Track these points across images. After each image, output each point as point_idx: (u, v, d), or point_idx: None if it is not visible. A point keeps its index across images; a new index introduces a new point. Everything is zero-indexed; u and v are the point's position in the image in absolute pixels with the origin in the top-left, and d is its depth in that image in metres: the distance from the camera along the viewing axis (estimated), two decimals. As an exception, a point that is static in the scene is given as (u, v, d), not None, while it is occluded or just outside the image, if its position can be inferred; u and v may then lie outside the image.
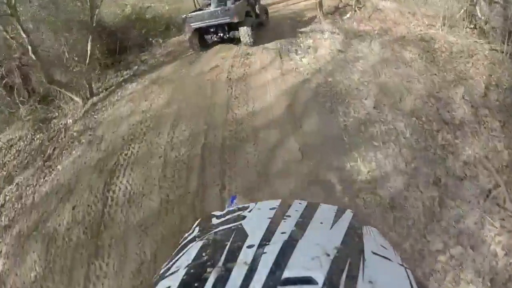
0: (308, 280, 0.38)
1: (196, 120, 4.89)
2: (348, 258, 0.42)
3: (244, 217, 0.54)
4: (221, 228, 0.52)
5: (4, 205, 4.64)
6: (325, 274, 0.38)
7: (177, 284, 0.41)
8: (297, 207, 0.57)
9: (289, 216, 0.53)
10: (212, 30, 6.35)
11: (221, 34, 6.42)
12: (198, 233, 0.55)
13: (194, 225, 0.60)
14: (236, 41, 6.60)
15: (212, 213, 0.61)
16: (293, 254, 0.41)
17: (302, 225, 0.50)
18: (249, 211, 0.57)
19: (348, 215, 0.55)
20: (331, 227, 0.50)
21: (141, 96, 6.04)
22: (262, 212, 0.56)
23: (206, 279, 0.39)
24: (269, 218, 0.52)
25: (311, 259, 0.41)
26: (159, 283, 0.45)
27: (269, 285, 0.37)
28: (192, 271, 0.43)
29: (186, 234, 0.58)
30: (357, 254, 0.44)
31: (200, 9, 6.56)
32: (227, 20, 5.87)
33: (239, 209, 0.59)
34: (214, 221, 0.57)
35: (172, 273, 0.44)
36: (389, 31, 6.67)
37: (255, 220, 0.53)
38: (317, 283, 0.37)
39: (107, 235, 3.53)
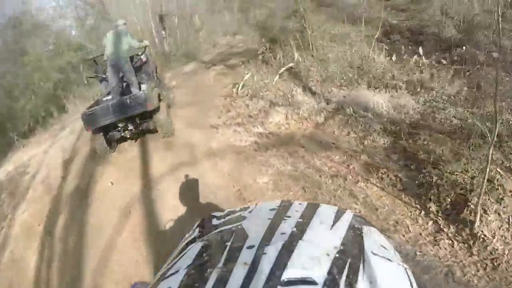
0: (308, 280, 0.38)
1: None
2: (348, 258, 0.42)
3: (244, 218, 0.54)
4: (221, 228, 0.52)
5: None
6: (325, 274, 0.38)
7: (177, 284, 0.41)
8: (297, 208, 0.56)
9: (289, 216, 0.53)
10: (120, 125, 4.62)
11: (132, 128, 4.71)
12: (199, 233, 0.54)
13: (195, 226, 0.60)
14: (149, 132, 4.99)
15: (213, 213, 0.61)
16: (293, 255, 0.41)
17: (302, 225, 0.49)
18: (249, 212, 0.57)
19: (348, 215, 0.55)
20: (331, 228, 0.50)
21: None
22: (262, 213, 0.56)
23: (206, 280, 0.39)
24: (269, 219, 0.52)
25: (311, 259, 0.41)
26: (160, 283, 0.44)
27: (269, 286, 0.37)
28: (192, 271, 0.43)
29: (187, 235, 0.58)
30: (357, 254, 0.44)
31: (98, 101, 5.03)
32: (139, 110, 4.36)
33: (240, 210, 0.59)
34: (215, 221, 0.57)
35: (172, 274, 0.44)
36: None
37: (255, 221, 0.53)
38: (317, 283, 0.37)
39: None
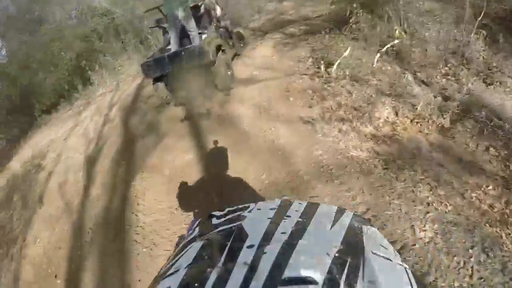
0: (308, 280, 0.38)
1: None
2: (348, 257, 0.42)
3: (244, 217, 0.54)
4: (221, 228, 0.52)
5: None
6: (325, 274, 0.39)
7: (177, 284, 0.42)
8: (297, 207, 0.56)
9: (289, 216, 0.52)
10: (178, 76, 4.79)
11: (192, 77, 4.78)
12: (198, 233, 0.55)
13: (194, 225, 0.61)
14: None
15: (212, 213, 0.61)
16: (293, 254, 0.41)
17: (302, 225, 0.49)
18: (249, 211, 0.57)
19: (348, 215, 0.55)
20: (331, 227, 0.50)
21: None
22: (262, 212, 0.56)
23: (206, 279, 0.40)
24: (269, 218, 0.52)
25: (311, 259, 0.41)
26: (160, 283, 0.45)
27: (269, 285, 0.37)
28: (192, 271, 0.43)
29: (186, 234, 0.59)
30: (357, 254, 0.44)
31: (161, 49, 5.19)
32: (193, 63, 4.44)
33: (239, 209, 0.59)
34: (214, 221, 0.57)
35: (172, 273, 0.45)
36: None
37: (255, 220, 0.53)
38: (317, 283, 0.37)
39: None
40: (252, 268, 0.40)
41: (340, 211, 0.56)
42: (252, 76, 4.79)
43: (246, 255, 0.42)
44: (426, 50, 4.01)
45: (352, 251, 0.44)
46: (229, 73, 4.78)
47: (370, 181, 2.42)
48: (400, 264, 0.46)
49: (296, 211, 0.55)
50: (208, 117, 4.17)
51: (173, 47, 4.76)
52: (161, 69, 4.53)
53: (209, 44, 4.46)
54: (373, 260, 0.43)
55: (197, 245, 0.49)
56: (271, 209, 0.56)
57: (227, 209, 0.61)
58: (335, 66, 3.99)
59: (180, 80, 4.68)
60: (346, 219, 0.53)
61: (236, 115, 3.88)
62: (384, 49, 4.11)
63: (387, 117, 3.15)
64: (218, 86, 4.66)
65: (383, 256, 0.46)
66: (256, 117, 3.67)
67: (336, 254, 0.42)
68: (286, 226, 0.49)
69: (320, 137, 3.00)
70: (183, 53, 4.40)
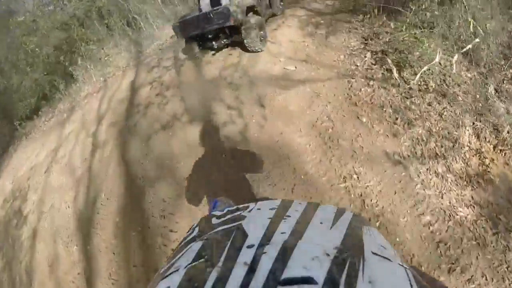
0: (308, 280, 0.38)
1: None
2: (348, 258, 0.42)
3: (244, 217, 0.54)
4: (221, 228, 0.52)
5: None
6: (325, 274, 0.38)
7: (176, 284, 0.41)
8: (297, 207, 0.57)
9: (289, 216, 0.53)
10: (210, 36, 5.00)
11: (224, 40, 5.05)
12: (198, 233, 0.55)
13: (194, 225, 0.60)
14: (241, 44, 5.11)
15: (212, 213, 0.61)
16: (293, 254, 0.41)
17: (302, 225, 0.50)
18: (249, 211, 0.57)
19: (348, 215, 0.55)
20: (331, 227, 0.50)
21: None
22: (262, 212, 0.56)
23: (206, 279, 0.39)
24: (269, 218, 0.52)
25: (311, 259, 0.41)
26: (159, 283, 0.44)
27: (269, 285, 0.37)
28: (192, 271, 0.43)
29: (186, 234, 0.58)
30: (357, 254, 0.44)
31: (193, 11, 5.41)
32: (222, 24, 4.52)
33: (239, 209, 0.59)
34: (214, 221, 0.57)
35: (172, 273, 0.44)
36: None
37: (255, 220, 0.53)
38: (317, 283, 0.37)
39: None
40: (252, 268, 0.40)
41: (340, 211, 0.56)
42: (286, 74, 3.58)
43: (246, 255, 0.42)
44: (490, 50, 3.12)
45: (352, 251, 0.44)
46: (261, 33, 4.76)
47: (488, 258, 1.91)
48: (400, 264, 0.47)
49: (296, 211, 0.55)
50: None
51: (204, 8, 5.06)
52: (192, 30, 4.75)
53: (238, 5, 4.52)
54: (373, 260, 0.43)
55: (196, 245, 0.49)
56: (271, 209, 0.56)
57: (226, 209, 0.61)
58: (418, 76, 3.00)
59: (214, 41, 4.97)
60: (346, 219, 0.54)
61: (282, 143, 2.57)
62: (465, 49, 3.19)
63: (469, 142, 2.51)
64: (248, 47, 4.74)
65: (383, 256, 0.46)
66: (321, 152, 2.40)
67: (336, 255, 0.42)
68: (286, 226, 0.49)
69: (420, 190, 2.23)
70: (211, 14, 4.50)
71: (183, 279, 0.42)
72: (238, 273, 0.39)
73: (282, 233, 0.47)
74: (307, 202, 0.59)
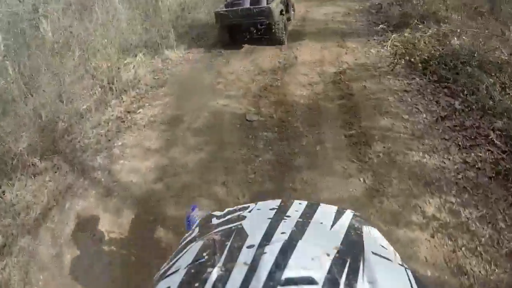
0: (308, 280, 0.38)
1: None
2: (348, 258, 0.42)
3: (244, 217, 0.54)
4: (221, 228, 0.53)
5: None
6: (325, 274, 0.38)
7: (177, 284, 0.41)
8: (297, 208, 0.56)
9: (289, 216, 0.53)
10: (242, 28, 6.21)
11: (254, 31, 6.27)
12: (198, 233, 0.55)
13: (194, 225, 0.60)
14: (266, 40, 6.28)
15: (212, 213, 0.61)
16: (293, 254, 0.41)
17: (302, 225, 0.49)
18: (249, 211, 0.57)
19: (348, 215, 0.55)
20: (331, 227, 0.50)
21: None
22: (262, 213, 0.56)
23: (206, 279, 0.39)
24: (269, 218, 0.52)
25: (311, 259, 0.41)
26: (160, 283, 0.45)
27: (269, 285, 0.37)
28: (192, 271, 0.43)
29: (186, 234, 0.58)
30: (357, 254, 0.44)
31: (232, 3, 6.32)
32: (262, 20, 5.74)
33: (239, 209, 0.59)
34: (214, 221, 0.57)
35: (172, 273, 0.45)
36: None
37: (255, 220, 0.53)
38: (317, 283, 0.37)
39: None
40: (252, 268, 0.40)
41: (340, 211, 0.56)
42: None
43: (246, 255, 0.42)
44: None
45: (352, 251, 0.44)
46: (284, 32, 5.98)
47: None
48: (400, 264, 0.47)
49: (296, 211, 0.55)
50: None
51: (245, 3, 5.99)
52: (232, 20, 5.77)
53: (276, 6, 5.71)
54: (373, 261, 0.43)
55: (197, 245, 0.49)
56: (271, 209, 0.56)
57: (226, 210, 0.61)
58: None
59: (245, 32, 6.22)
60: (346, 219, 0.54)
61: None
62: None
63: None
64: (274, 41, 5.94)
65: (383, 257, 0.46)
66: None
67: (336, 255, 0.42)
68: (286, 226, 0.49)
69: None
70: (254, 10, 5.64)
71: (183, 279, 0.42)
72: (238, 273, 0.39)
73: (282, 233, 0.46)
74: (307, 202, 0.59)
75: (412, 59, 4.45)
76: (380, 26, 6.08)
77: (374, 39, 5.63)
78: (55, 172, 3.35)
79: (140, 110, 4.43)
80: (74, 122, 3.99)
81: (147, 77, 5.31)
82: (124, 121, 4.18)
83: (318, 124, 3.61)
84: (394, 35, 5.30)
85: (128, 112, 4.38)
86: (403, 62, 4.53)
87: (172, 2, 7.51)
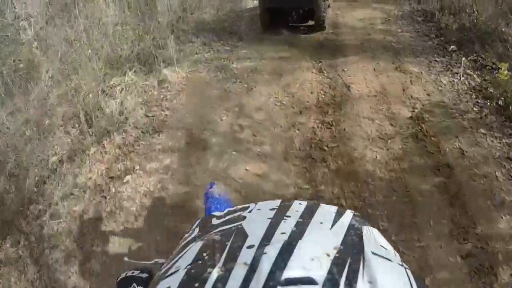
0: (308, 280, 0.38)
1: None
2: (348, 258, 0.42)
3: (244, 218, 0.54)
4: (221, 228, 0.53)
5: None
6: (325, 274, 0.39)
7: (177, 284, 0.42)
8: (297, 208, 0.57)
9: (289, 216, 0.53)
10: (284, 11, 6.20)
11: (295, 16, 6.25)
12: (198, 233, 0.55)
13: (194, 225, 0.61)
14: (304, 28, 6.43)
15: (212, 213, 0.61)
16: (293, 255, 0.41)
17: (302, 225, 0.50)
18: (249, 212, 0.57)
19: (348, 215, 0.55)
20: (331, 228, 0.50)
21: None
22: (262, 213, 0.56)
23: (206, 280, 0.39)
24: (269, 218, 0.52)
25: (311, 260, 0.41)
26: (159, 283, 0.45)
27: (269, 286, 0.37)
28: (192, 271, 0.43)
29: (186, 235, 0.58)
30: (357, 254, 0.44)
31: None
32: (308, 5, 5.85)
33: (239, 210, 0.59)
34: (214, 221, 0.57)
35: (172, 273, 0.45)
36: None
37: (255, 220, 0.53)
38: (317, 283, 0.37)
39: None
40: (252, 269, 0.40)
41: (340, 211, 0.57)
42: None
43: (246, 256, 0.42)
44: None
45: (352, 251, 0.44)
46: (324, 14, 6.09)
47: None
48: (400, 265, 0.47)
49: (296, 211, 0.55)
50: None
51: None
52: (278, 3, 5.88)
53: None
54: (373, 261, 0.43)
55: (197, 245, 0.49)
56: (271, 209, 0.57)
57: (226, 210, 0.61)
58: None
59: (286, 14, 6.17)
60: (346, 219, 0.54)
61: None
62: None
63: None
64: (316, 26, 6.15)
65: (383, 257, 0.46)
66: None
67: (336, 255, 0.42)
68: (286, 226, 0.49)
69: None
70: None
71: (183, 279, 0.42)
72: (238, 273, 0.39)
73: (282, 233, 0.47)
74: (307, 202, 0.59)
75: (500, 102, 3.56)
76: (451, 47, 4.96)
77: (436, 60, 4.58)
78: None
79: (128, 177, 3.05)
80: (41, 182, 2.91)
81: (138, 113, 3.77)
82: (105, 197, 2.88)
83: (415, 227, 2.47)
84: (463, 58, 4.35)
85: (111, 178, 3.06)
86: (489, 104, 3.61)
87: (172, 1, 6.31)
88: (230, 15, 7.19)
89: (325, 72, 4.46)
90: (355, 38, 5.67)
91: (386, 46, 5.20)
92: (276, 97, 3.97)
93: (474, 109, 3.66)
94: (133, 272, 0.98)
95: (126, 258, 1.16)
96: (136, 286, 0.86)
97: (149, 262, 0.93)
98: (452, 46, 5.02)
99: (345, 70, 4.52)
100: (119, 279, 0.95)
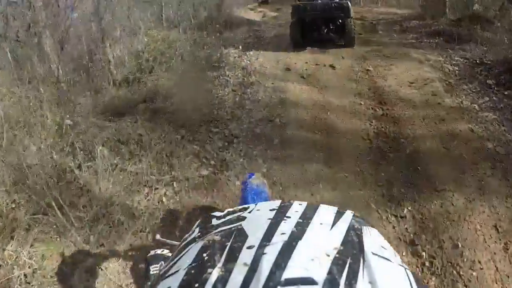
0: (309, 281, 0.38)
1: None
2: (348, 258, 0.42)
3: (244, 218, 0.54)
4: (221, 229, 0.53)
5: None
6: (325, 275, 0.39)
7: (177, 284, 0.42)
8: (297, 208, 0.57)
9: (289, 217, 0.53)
10: (315, 26, 6.00)
11: (325, 30, 6.01)
12: (198, 233, 0.55)
13: (194, 226, 0.61)
14: (332, 43, 6.11)
15: (212, 213, 0.61)
16: (293, 255, 0.41)
17: (302, 226, 0.50)
18: (249, 212, 0.57)
19: (348, 215, 0.55)
20: (331, 228, 0.50)
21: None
22: (262, 213, 0.56)
23: (206, 280, 0.39)
24: (269, 219, 0.52)
25: (311, 260, 0.41)
26: (160, 283, 0.45)
27: (269, 286, 0.37)
28: (192, 271, 0.43)
29: (186, 235, 0.58)
30: (357, 254, 0.44)
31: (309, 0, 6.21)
32: (339, 15, 5.69)
33: (239, 210, 0.59)
34: (214, 221, 0.57)
35: (172, 274, 0.45)
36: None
37: (255, 221, 0.53)
38: (317, 283, 0.37)
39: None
40: (252, 269, 0.40)
41: (340, 212, 0.57)
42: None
43: (246, 256, 0.42)
44: None
45: (352, 252, 0.44)
46: (354, 29, 5.89)
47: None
48: (400, 265, 0.47)
49: (296, 211, 0.55)
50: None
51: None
52: (309, 12, 5.76)
53: (349, 5, 5.72)
54: (373, 261, 0.43)
55: (197, 246, 0.49)
56: (271, 210, 0.57)
57: (226, 210, 0.61)
58: None
59: (318, 26, 5.97)
60: (346, 219, 0.54)
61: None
62: None
63: None
64: (344, 42, 5.86)
65: (383, 257, 0.46)
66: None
67: (336, 255, 0.42)
68: (286, 226, 0.49)
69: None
70: (333, 4, 5.71)
71: (183, 279, 0.42)
72: (239, 274, 0.39)
73: (282, 233, 0.47)
74: (307, 203, 0.59)
75: None
76: None
77: None
78: None
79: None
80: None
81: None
82: None
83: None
84: None
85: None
86: None
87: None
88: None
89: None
90: (429, 134, 3.22)
91: (488, 156, 2.91)
92: None
93: None
94: (162, 250, 1.02)
95: (158, 236, 1.18)
96: (163, 264, 0.88)
97: (178, 243, 0.95)
98: None
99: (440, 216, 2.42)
100: (149, 255, 0.99)
